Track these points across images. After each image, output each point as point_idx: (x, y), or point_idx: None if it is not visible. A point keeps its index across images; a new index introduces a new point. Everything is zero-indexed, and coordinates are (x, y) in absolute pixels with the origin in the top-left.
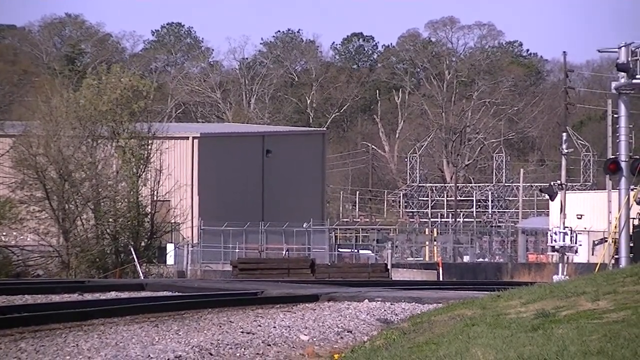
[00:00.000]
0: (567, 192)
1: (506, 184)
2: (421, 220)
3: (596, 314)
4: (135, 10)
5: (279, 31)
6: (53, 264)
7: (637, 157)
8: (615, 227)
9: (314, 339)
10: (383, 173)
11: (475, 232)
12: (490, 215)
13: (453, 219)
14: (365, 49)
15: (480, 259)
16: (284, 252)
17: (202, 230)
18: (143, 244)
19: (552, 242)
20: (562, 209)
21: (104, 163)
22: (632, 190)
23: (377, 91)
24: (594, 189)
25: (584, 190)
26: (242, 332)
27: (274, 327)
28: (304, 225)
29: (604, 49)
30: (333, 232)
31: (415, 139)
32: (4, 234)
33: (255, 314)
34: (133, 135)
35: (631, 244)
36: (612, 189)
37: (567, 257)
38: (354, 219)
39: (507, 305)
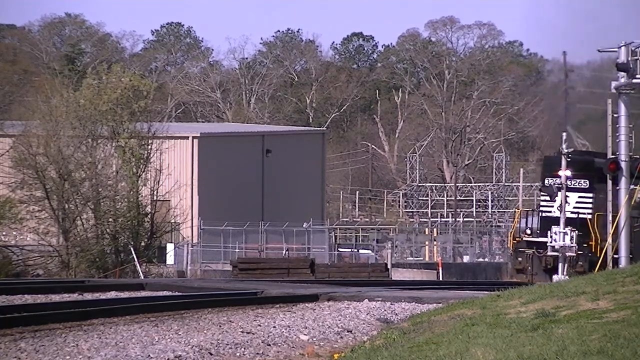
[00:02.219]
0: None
1: (506, 184)
2: (421, 220)
3: (596, 314)
4: (135, 10)
5: (279, 31)
6: (53, 263)
7: (637, 156)
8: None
9: (314, 339)
10: (383, 173)
11: (475, 232)
12: (490, 215)
13: (453, 219)
14: (365, 48)
15: (480, 259)
16: (283, 252)
17: (201, 230)
18: (143, 243)
19: (551, 242)
20: (562, 208)
21: (104, 163)
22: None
23: (377, 91)
24: None
25: None
26: (242, 331)
27: (274, 326)
28: (304, 225)
29: (604, 48)
30: (333, 232)
31: (415, 139)
32: (4, 233)
33: (255, 313)
34: (133, 135)
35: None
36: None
37: (567, 257)
38: (354, 219)
39: (507, 305)
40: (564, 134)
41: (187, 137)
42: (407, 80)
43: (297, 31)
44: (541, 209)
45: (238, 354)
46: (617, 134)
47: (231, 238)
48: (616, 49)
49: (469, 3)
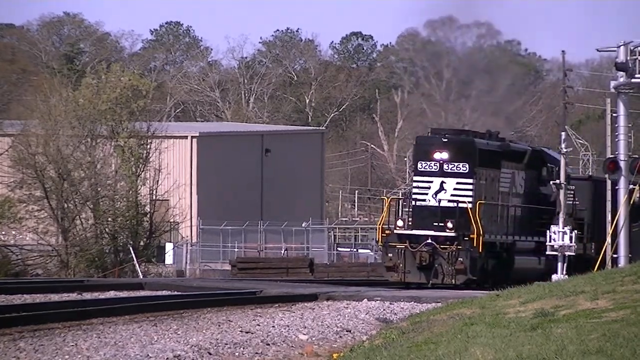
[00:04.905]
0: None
1: None
2: None
3: (595, 313)
4: (134, 9)
5: (278, 30)
6: (52, 263)
7: (636, 156)
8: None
9: (313, 339)
10: (382, 172)
11: None
12: None
13: None
14: (364, 48)
15: None
16: (282, 252)
17: (201, 230)
18: (142, 243)
19: (550, 242)
20: (562, 208)
21: (103, 162)
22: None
23: (377, 90)
24: None
25: None
26: (241, 331)
27: (273, 326)
28: (303, 225)
29: (603, 48)
30: (332, 231)
31: (415, 138)
32: (3, 233)
33: (254, 313)
34: (132, 134)
35: None
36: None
37: (566, 256)
38: (353, 218)
39: (506, 304)
40: (563, 133)
41: (186, 137)
42: (406, 80)
43: (296, 30)
44: (414, 197)
45: (237, 354)
46: (616, 134)
47: (230, 237)
48: (615, 49)
49: (467, 2)
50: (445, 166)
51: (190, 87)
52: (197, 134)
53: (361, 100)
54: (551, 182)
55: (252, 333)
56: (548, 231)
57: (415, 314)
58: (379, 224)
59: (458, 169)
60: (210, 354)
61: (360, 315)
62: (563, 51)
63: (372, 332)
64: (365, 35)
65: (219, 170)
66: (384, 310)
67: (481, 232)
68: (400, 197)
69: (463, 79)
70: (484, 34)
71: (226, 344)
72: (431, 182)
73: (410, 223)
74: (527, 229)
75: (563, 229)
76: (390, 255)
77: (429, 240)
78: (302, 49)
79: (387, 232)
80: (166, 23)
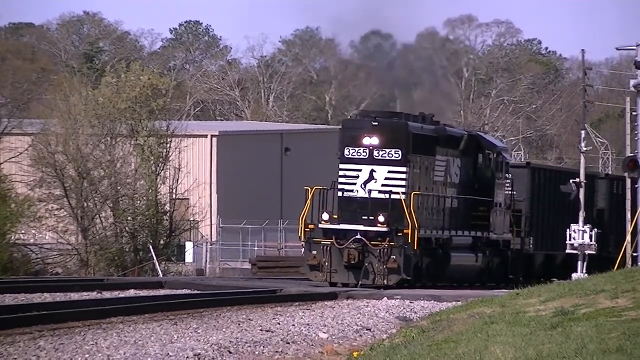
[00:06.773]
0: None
1: None
2: None
3: (615, 312)
4: (153, 8)
5: (298, 29)
6: (72, 262)
7: None
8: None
9: (333, 337)
10: None
11: None
12: None
13: None
14: (384, 46)
15: None
16: (302, 250)
17: (220, 228)
18: (162, 241)
19: (570, 240)
20: (582, 206)
21: (123, 161)
22: None
23: (396, 89)
24: None
25: None
26: (261, 330)
27: (293, 325)
28: None
29: (622, 46)
30: None
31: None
32: (23, 232)
33: (274, 311)
34: (152, 133)
35: None
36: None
37: (586, 255)
38: None
39: (526, 303)
40: (583, 131)
41: (206, 136)
42: (426, 78)
43: (316, 29)
44: (340, 187)
45: (257, 352)
46: (636, 132)
47: (250, 236)
48: (634, 47)
49: (487, 1)
50: (375, 153)
51: (209, 86)
52: (217, 133)
53: (380, 98)
54: (571, 181)
55: (272, 332)
56: (568, 230)
57: (435, 313)
58: (301, 218)
59: (390, 155)
60: (230, 352)
61: (380, 314)
62: (583, 50)
63: (392, 331)
64: (385, 34)
65: (238, 169)
66: (403, 308)
67: (416, 227)
68: (326, 187)
69: (482, 78)
70: (503, 33)
71: (246, 343)
72: (359, 170)
73: (336, 216)
74: (463, 222)
75: (583, 227)
76: (314, 252)
77: (358, 236)
78: (322, 47)
79: (310, 226)
80: (185, 22)
